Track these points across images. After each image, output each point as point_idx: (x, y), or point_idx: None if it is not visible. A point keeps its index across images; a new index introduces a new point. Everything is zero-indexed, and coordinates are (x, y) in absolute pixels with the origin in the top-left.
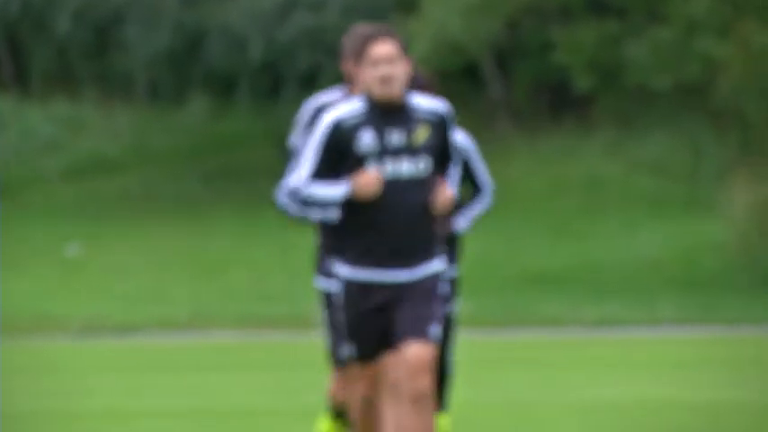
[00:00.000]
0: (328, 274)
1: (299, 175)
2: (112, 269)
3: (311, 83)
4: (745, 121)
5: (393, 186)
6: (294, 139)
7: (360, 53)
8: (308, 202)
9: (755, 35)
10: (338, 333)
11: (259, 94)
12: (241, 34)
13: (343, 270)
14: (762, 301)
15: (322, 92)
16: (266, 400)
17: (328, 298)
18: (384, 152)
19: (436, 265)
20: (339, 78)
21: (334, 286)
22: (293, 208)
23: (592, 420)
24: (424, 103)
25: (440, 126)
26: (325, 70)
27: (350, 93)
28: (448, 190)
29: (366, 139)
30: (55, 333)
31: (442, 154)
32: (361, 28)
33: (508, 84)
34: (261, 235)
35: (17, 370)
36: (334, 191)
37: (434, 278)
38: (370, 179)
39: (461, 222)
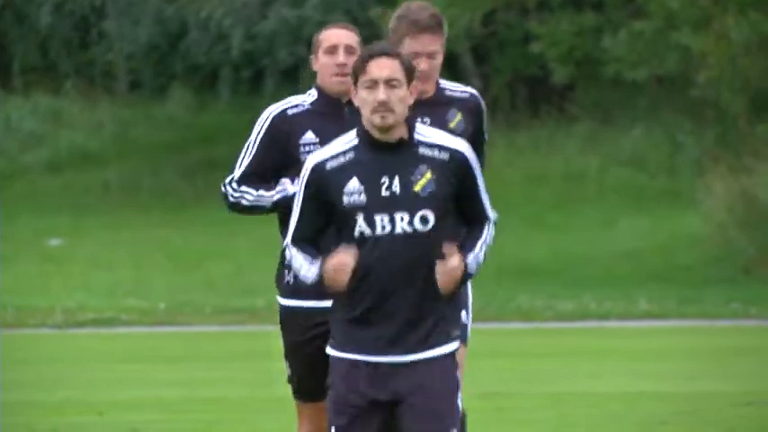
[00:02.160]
0: (286, 292)
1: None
2: (94, 261)
3: (292, 76)
4: (722, 113)
5: (384, 247)
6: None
7: (357, 73)
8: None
9: (733, 28)
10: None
11: (240, 87)
12: (222, 28)
13: (330, 350)
14: (739, 294)
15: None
16: (243, 389)
17: (284, 320)
18: (373, 205)
19: (450, 346)
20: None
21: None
22: (243, 201)
23: (569, 410)
24: (434, 137)
25: (451, 168)
26: (305, 64)
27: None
28: (454, 258)
29: (351, 189)
30: (37, 325)
31: (460, 206)
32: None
33: (487, 77)
34: (241, 228)
35: None
36: (309, 270)
37: (449, 361)
38: (339, 266)
39: (470, 264)
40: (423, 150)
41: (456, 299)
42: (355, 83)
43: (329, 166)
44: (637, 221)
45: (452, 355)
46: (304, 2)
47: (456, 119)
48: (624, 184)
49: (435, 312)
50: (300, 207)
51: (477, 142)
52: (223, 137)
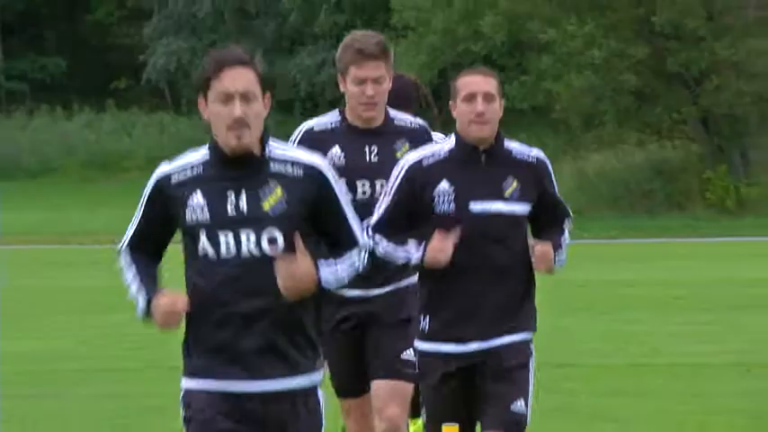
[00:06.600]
0: None
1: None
2: None
3: (336, 106)
4: (569, 127)
5: (230, 271)
6: None
7: (209, 82)
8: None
9: (575, 81)
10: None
11: (307, 113)
12: (295, 80)
13: (184, 380)
14: (577, 225)
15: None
16: None
17: None
18: (217, 222)
19: (315, 375)
20: None
21: None
22: None
23: None
24: (288, 151)
25: (305, 186)
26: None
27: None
28: (294, 267)
29: (194, 204)
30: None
31: (321, 229)
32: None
33: (441, 107)
34: None
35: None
36: (137, 297)
37: (313, 394)
38: (168, 312)
39: (329, 279)
40: (275, 166)
41: (305, 320)
42: (204, 93)
43: (174, 179)
44: None
45: (315, 387)
46: None
47: (403, 149)
48: None
49: (290, 340)
50: (141, 215)
51: None
52: None
